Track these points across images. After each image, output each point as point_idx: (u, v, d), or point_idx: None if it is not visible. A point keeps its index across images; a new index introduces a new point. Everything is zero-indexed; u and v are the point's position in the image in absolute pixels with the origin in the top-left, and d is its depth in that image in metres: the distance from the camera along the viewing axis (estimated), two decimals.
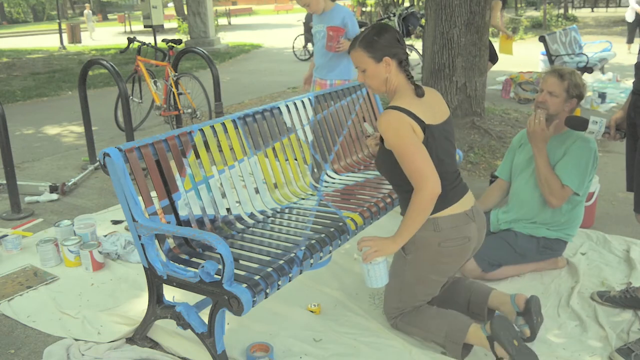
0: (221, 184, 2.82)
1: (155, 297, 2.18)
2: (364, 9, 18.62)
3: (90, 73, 5.94)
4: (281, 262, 2.09)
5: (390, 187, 2.85)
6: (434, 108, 2.12)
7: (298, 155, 3.03)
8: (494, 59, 6.41)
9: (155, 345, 2.30)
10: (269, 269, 2.03)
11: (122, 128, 5.87)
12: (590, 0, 25.24)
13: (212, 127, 2.57)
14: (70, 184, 4.25)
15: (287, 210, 2.72)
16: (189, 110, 5.62)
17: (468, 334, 2.12)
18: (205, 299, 2.21)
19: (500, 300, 2.31)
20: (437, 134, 2.07)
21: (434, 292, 2.28)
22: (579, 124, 2.50)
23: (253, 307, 1.90)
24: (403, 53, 2.11)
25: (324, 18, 3.91)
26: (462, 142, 4.98)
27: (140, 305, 2.55)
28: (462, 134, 5.16)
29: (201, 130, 2.50)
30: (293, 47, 13.47)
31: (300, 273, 2.16)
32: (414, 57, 9.27)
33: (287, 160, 2.95)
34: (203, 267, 1.92)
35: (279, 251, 2.20)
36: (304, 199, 2.88)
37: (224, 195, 3.49)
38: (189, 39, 15.23)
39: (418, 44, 10.36)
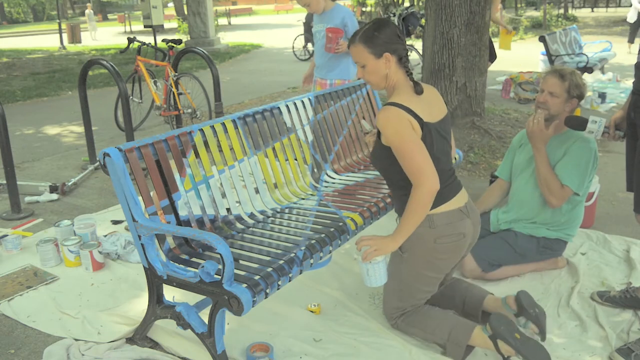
0: (221, 184, 2.82)
1: (155, 297, 2.18)
2: (364, 9, 18.65)
3: (90, 73, 5.95)
4: (281, 262, 2.09)
5: None
6: (432, 106, 2.11)
7: (298, 155, 3.03)
8: (492, 57, 6.41)
9: (155, 345, 2.30)
10: (269, 269, 2.03)
11: (122, 128, 5.87)
12: (590, 0, 25.25)
13: (212, 127, 2.57)
14: (70, 184, 4.25)
15: (287, 210, 2.72)
16: (189, 110, 5.61)
17: (472, 336, 2.12)
18: (205, 299, 2.21)
19: (495, 305, 2.32)
20: (434, 132, 2.07)
21: (433, 290, 2.28)
22: (579, 123, 2.50)
23: (253, 307, 1.90)
24: (403, 49, 2.11)
25: (324, 18, 3.92)
26: (462, 142, 4.98)
27: (140, 305, 2.55)
28: (462, 134, 5.15)
29: (201, 130, 2.50)
30: (293, 47, 13.47)
31: (300, 273, 2.16)
32: (414, 57, 9.28)
33: (287, 160, 2.95)
34: (203, 267, 1.92)
35: (279, 251, 2.20)
36: (304, 199, 2.88)
37: (224, 195, 3.49)
38: (189, 39, 15.23)
39: (418, 44, 10.36)
